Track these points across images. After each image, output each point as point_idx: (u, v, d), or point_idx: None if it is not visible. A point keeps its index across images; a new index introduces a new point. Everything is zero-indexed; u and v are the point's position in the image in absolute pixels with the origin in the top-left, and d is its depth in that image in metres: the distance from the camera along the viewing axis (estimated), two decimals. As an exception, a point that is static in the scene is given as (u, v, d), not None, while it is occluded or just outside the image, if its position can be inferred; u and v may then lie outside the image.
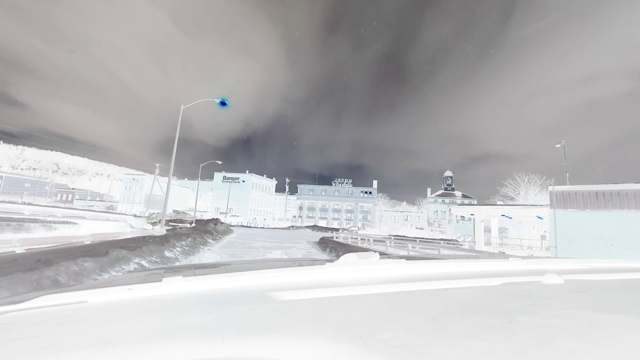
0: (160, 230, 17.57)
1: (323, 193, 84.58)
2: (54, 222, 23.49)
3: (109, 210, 54.38)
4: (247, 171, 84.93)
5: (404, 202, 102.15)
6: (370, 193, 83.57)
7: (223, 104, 18.63)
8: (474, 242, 27.44)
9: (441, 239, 40.08)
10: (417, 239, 28.33)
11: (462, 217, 55.87)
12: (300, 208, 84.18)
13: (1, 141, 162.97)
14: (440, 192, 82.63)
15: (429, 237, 44.61)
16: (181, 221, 39.00)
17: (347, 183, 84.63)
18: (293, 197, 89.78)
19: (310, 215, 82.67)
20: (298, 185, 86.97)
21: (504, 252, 21.29)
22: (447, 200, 79.13)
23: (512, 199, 41.22)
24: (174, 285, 1.06)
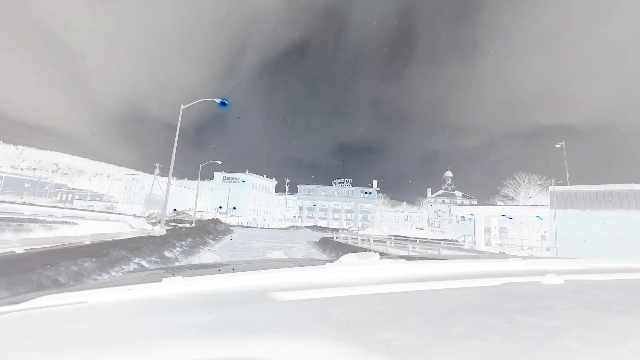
0: (160, 230, 17.57)
1: (323, 193, 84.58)
2: (54, 222, 23.48)
3: (108, 211, 54.37)
4: (247, 171, 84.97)
5: (404, 202, 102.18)
6: (370, 193, 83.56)
7: (223, 104, 18.67)
8: (474, 243, 27.45)
9: (441, 239, 40.06)
10: (417, 239, 28.33)
11: (462, 217, 55.87)
12: (300, 208, 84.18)
13: (1, 141, 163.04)
14: (440, 192, 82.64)
15: (429, 238, 44.61)
16: (181, 221, 39.01)
17: (347, 183, 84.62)
18: (293, 197, 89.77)
19: (310, 215, 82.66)
20: (298, 186, 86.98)
21: (504, 253, 21.29)
22: (447, 200, 79.13)
23: (512, 199, 41.31)
24: (173, 286, 1.07)
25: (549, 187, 19.99)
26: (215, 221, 31.01)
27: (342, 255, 1.55)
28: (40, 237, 12.23)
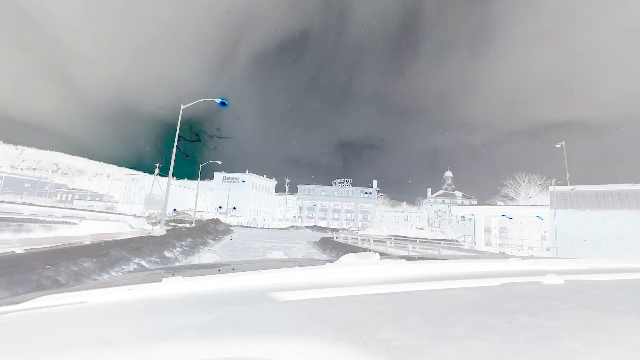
0: (160, 230, 17.56)
1: (323, 193, 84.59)
2: (54, 222, 23.46)
3: (108, 211, 54.34)
4: (247, 171, 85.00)
5: (404, 202, 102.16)
6: (370, 193, 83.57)
7: (223, 104, 18.69)
8: (474, 243, 27.46)
9: (441, 239, 40.03)
10: (417, 240, 28.31)
11: (462, 217, 55.87)
12: (300, 208, 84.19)
13: (1, 141, 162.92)
14: (440, 192, 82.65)
15: (429, 238, 44.56)
16: (181, 221, 39.02)
17: (347, 183, 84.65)
18: (293, 197, 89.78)
19: (310, 215, 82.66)
20: (298, 186, 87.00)
21: (504, 253, 21.29)
22: (447, 200, 79.13)
23: (512, 199, 41.29)
24: (173, 286, 1.07)
25: (549, 187, 20.01)
26: (215, 221, 31.00)
27: (342, 255, 1.55)
28: (40, 237, 12.24)
